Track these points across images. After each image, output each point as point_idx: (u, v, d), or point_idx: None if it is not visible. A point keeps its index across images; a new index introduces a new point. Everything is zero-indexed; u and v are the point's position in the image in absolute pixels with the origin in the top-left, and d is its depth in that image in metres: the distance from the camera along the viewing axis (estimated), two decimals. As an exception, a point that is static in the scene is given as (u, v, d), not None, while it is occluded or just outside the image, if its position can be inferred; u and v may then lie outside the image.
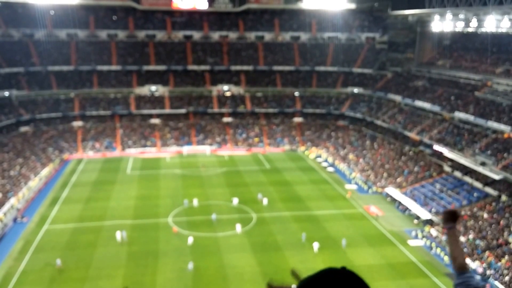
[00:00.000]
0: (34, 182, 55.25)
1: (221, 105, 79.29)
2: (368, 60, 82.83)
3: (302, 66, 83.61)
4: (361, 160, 64.73)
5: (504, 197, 44.43)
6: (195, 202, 49.59)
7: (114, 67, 79.22)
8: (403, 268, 36.56)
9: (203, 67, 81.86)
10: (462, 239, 40.64)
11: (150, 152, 71.08)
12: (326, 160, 68.71)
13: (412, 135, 62.29)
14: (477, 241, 39.58)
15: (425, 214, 45.94)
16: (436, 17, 67.26)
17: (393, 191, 52.70)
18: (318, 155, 71.05)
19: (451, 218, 3.28)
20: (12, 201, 47.74)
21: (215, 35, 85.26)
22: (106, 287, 33.40)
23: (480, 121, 53.63)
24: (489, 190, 46.76)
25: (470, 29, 64.85)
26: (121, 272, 35.28)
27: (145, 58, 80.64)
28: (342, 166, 64.89)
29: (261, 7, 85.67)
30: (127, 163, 65.68)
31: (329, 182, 58.45)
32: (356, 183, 58.17)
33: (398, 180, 55.76)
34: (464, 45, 71.22)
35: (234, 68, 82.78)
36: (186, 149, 71.66)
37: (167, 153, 71.05)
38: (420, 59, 77.28)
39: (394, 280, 34.55)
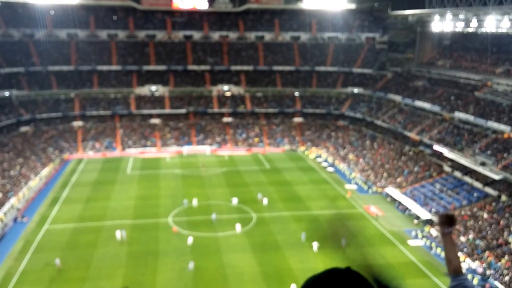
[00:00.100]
0: (34, 182, 55.27)
1: (221, 105, 79.31)
2: (368, 60, 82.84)
3: (302, 66, 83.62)
4: (361, 160, 64.74)
5: (504, 197, 44.44)
6: (195, 202, 49.60)
7: (114, 67, 79.25)
8: (403, 268, 36.56)
9: (203, 67, 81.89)
10: (462, 239, 40.66)
11: (150, 152, 71.10)
12: (326, 160, 68.72)
13: (412, 135, 62.30)
14: (477, 241, 39.60)
15: (425, 214, 45.95)
16: (436, 17, 67.29)
17: (393, 191, 52.71)
18: (318, 155, 71.07)
19: (448, 222, 3.23)
20: (12, 201, 47.77)
21: (215, 35, 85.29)
22: (106, 287, 33.42)
23: (480, 121, 53.65)
24: (489, 190, 46.78)
25: (470, 29, 64.87)
26: (121, 272, 35.29)
27: (145, 58, 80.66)
28: (342, 166, 64.90)
29: (261, 7, 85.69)
30: (127, 163, 65.71)
31: (329, 182, 58.46)
32: (356, 183, 58.18)
33: (398, 180, 55.77)
34: (464, 45, 71.23)
35: (234, 68, 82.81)
36: (186, 149, 71.68)
37: (167, 153, 71.07)
38: (420, 59, 77.30)
39: (393, 280, 34.54)
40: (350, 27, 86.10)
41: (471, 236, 40.52)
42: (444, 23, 66.75)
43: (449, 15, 63.73)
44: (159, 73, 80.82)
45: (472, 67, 64.73)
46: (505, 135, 50.18)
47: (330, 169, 63.95)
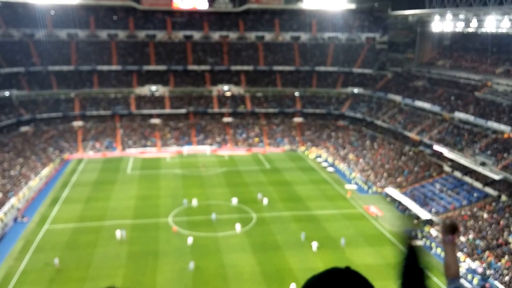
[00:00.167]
0: (35, 182, 55.30)
1: (221, 105, 79.34)
2: (368, 60, 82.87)
3: (302, 66, 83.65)
4: (361, 160, 64.76)
5: (504, 197, 44.45)
6: (194, 202, 49.62)
7: (114, 67, 79.28)
8: (403, 268, 36.53)
9: (203, 67, 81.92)
10: (462, 239, 40.67)
11: (150, 152, 71.12)
12: (326, 160, 68.74)
13: (412, 135, 62.32)
14: (477, 241, 39.61)
15: (425, 214, 45.96)
16: (436, 17, 67.30)
17: (393, 191, 52.73)
18: (318, 155, 71.09)
19: (449, 230, 3.22)
20: (13, 201, 47.79)
21: (215, 35, 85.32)
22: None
23: (480, 121, 53.66)
24: (489, 190, 46.78)
25: (470, 29, 64.88)
26: (121, 272, 35.32)
27: (145, 58, 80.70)
28: (342, 166, 64.92)
29: (261, 7, 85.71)
30: (127, 163, 65.73)
31: (329, 182, 58.48)
32: (356, 183, 58.19)
33: (398, 180, 55.79)
34: (464, 45, 71.24)
35: (234, 68, 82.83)
36: (186, 149, 71.70)
37: (167, 153, 71.09)
38: (420, 59, 77.31)
39: (393, 280, 34.55)
40: (350, 27, 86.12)
41: (471, 236, 40.54)
42: (444, 23, 66.76)
43: (449, 15, 63.75)
44: (159, 73, 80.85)
45: (472, 67, 64.75)
46: (505, 135, 50.19)
47: (330, 169, 63.96)
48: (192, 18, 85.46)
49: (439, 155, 55.84)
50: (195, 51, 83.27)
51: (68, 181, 57.56)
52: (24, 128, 69.55)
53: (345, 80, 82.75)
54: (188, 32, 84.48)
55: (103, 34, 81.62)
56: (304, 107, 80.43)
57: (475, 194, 47.38)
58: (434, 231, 43.06)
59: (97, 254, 38.06)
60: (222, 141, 75.40)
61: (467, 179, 50.18)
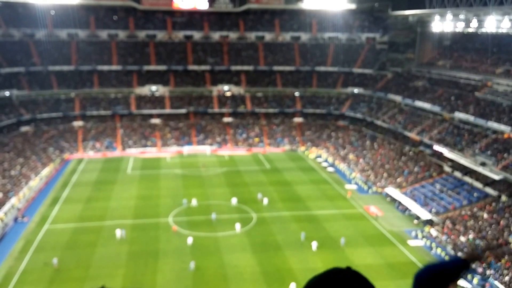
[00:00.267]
0: (35, 182, 55.32)
1: (221, 105, 79.35)
2: (368, 60, 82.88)
3: (302, 66, 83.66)
4: (361, 160, 64.77)
5: (504, 197, 44.47)
6: (194, 202, 49.65)
7: (114, 67, 79.30)
8: (403, 268, 36.60)
9: (203, 67, 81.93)
10: (462, 239, 40.70)
11: (151, 152, 71.15)
12: (326, 160, 68.76)
13: (412, 135, 62.33)
14: (477, 241, 39.63)
15: (425, 214, 45.98)
16: (437, 17, 67.31)
17: (393, 191, 52.74)
18: (318, 155, 71.10)
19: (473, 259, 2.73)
20: (13, 200, 47.81)
21: (216, 35, 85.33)
22: (106, 286, 33.41)
23: (480, 121, 53.67)
24: (489, 190, 46.81)
25: (470, 30, 64.89)
26: (121, 271, 35.34)
27: (145, 58, 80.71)
28: (342, 166, 64.93)
29: (262, 7, 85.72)
30: (128, 163, 65.75)
31: (329, 182, 58.50)
32: (356, 183, 58.21)
33: (398, 180, 55.80)
34: (464, 46, 71.26)
35: (234, 68, 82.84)
36: (186, 149, 71.73)
37: (167, 153, 71.11)
38: (420, 60, 77.33)
39: (393, 280, 34.61)
40: (350, 27, 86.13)
41: (471, 236, 40.56)
42: (444, 23, 66.78)
43: (449, 15, 63.76)
44: (159, 73, 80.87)
45: (472, 67, 64.76)
46: (505, 135, 50.21)
47: (330, 169, 63.98)
48: (192, 18, 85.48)
49: (439, 155, 55.85)
50: (195, 51, 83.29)
51: (68, 181, 57.58)
52: (24, 128, 69.59)
53: (345, 80, 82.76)
54: (188, 32, 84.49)
55: (103, 34, 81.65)
56: (304, 107, 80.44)
57: (475, 194, 47.40)
58: (434, 231, 43.08)
59: (97, 254, 38.09)
60: (222, 141, 75.42)
61: (467, 179, 50.20)
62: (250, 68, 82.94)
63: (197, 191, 53.66)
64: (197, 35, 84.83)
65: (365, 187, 56.77)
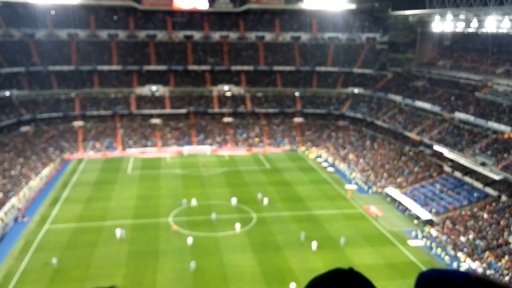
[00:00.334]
0: (35, 182, 55.33)
1: (221, 105, 79.36)
2: (368, 60, 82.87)
3: (302, 66, 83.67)
4: (361, 160, 64.77)
5: (504, 198, 44.47)
6: (194, 202, 49.66)
7: (114, 67, 79.31)
8: (403, 268, 36.61)
9: (203, 67, 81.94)
10: (462, 239, 40.70)
11: (151, 152, 71.16)
12: (326, 160, 68.76)
13: (412, 135, 62.33)
14: (477, 241, 39.63)
15: (425, 214, 45.98)
16: (437, 17, 67.31)
17: (393, 191, 52.74)
18: (318, 155, 71.11)
19: None
20: (13, 200, 47.83)
21: (216, 35, 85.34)
22: (106, 286, 33.42)
23: (480, 121, 53.67)
24: (489, 190, 46.81)
25: (470, 30, 64.89)
26: (121, 271, 35.36)
27: (145, 58, 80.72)
28: (342, 166, 64.93)
29: (262, 7, 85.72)
30: (128, 163, 65.76)
31: (329, 182, 58.50)
32: (356, 183, 58.21)
33: (398, 180, 55.80)
34: (465, 46, 71.25)
35: (234, 68, 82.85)
36: (186, 149, 71.74)
37: (167, 153, 71.12)
38: (420, 60, 77.33)
39: (393, 280, 34.61)
40: (350, 27, 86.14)
41: (471, 236, 40.55)
42: (444, 24, 66.77)
43: (449, 16, 63.76)
44: (159, 73, 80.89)
45: (472, 67, 64.75)
46: (505, 136, 50.21)
47: (330, 169, 63.98)
48: (192, 18, 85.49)
49: (439, 155, 55.85)
50: (195, 51, 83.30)
51: (69, 181, 57.60)
52: (24, 128, 69.61)
53: (345, 80, 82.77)
54: (188, 32, 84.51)
55: (104, 34, 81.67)
56: (304, 107, 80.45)
57: (475, 194, 47.40)
58: (434, 231, 43.08)
59: (98, 254, 38.10)
60: (222, 141, 75.43)
61: (467, 179, 50.21)
62: (250, 68, 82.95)
63: (197, 191, 53.67)
64: (197, 35, 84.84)
65: (365, 187, 56.78)
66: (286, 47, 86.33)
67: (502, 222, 41.01)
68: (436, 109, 61.88)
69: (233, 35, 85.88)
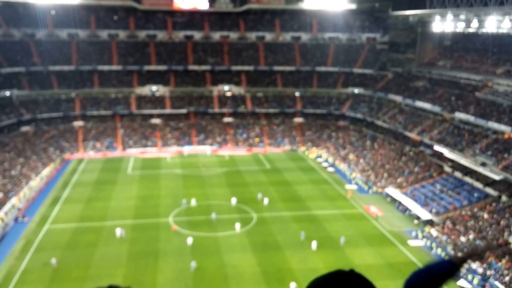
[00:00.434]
0: (35, 182, 55.35)
1: (221, 105, 79.36)
2: (368, 60, 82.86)
3: (302, 66, 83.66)
4: (361, 160, 64.76)
5: (504, 198, 44.47)
6: (193, 202, 49.67)
7: (115, 67, 79.32)
8: (403, 268, 36.58)
9: (204, 67, 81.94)
10: (462, 239, 40.69)
11: (151, 152, 71.16)
12: (326, 160, 68.75)
13: (413, 135, 62.33)
14: (477, 241, 39.62)
15: (425, 215, 45.98)
16: (437, 17, 67.28)
17: (393, 191, 52.74)
18: (319, 155, 71.10)
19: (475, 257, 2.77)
20: (13, 200, 47.84)
21: (216, 35, 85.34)
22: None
23: (481, 121, 53.66)
24: (489, 190, 46.80)
25: (471, 30, 64.86)
26: (121, 271, 35.37)
27: (146, 58, 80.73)
28: (343, 166, 64.93)
29: (262, 7, 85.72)
30: (128, 163, 65.77)
31: (329, 182, 58.50)
32: (356, 183, 58.22)
33: (399, 180, 55.79)
34: (465, 46, 71.23)
35: (234, 68, 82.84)
36: (186, 149, 71.74)
37: (167, 153, 71.13)
38: (420, 60, 77.31)
39: (393, 280, 34.59)
40: (350, 27, 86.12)
41: (471, 236, 40.55)
42: (444, 24, 66.75)
43: (450, 16, 63.73)
44: (159, 73, 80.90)
45: (472, 67, 64.73)
46: (506, 136, 50.20)
47: (331, 169, 63.98)
48: (192, 18, 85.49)
49: (440, 156, 55.84)
50: (195, 51, 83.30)
51: (69, 181, 57.61)
52: (24, 128, 69.62)
53: (345, 80, 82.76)
54: (188, 32, 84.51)
55: (104, 34, 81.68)
56: (304, 107, 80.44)
57: (476, 195, 47.39)
58: (434, 231, 43.07)
59: (98, 254, 38.12)
60: (223, 141, 75.43)
61: (468, 179, 50.20)
62: (250, 68, 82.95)
63: (197, 191, 53.67)
64: (197, 35, 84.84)
65: (366, 187, 56.77)
66: (286, 47, 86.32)
67: (502, 222, 41.01)
68: (437, 109, 61.87)
69: (233, 35, 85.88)
